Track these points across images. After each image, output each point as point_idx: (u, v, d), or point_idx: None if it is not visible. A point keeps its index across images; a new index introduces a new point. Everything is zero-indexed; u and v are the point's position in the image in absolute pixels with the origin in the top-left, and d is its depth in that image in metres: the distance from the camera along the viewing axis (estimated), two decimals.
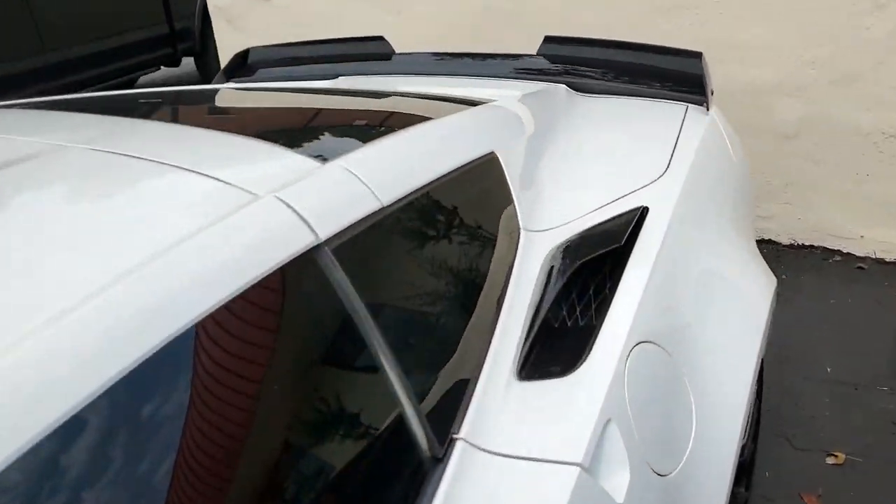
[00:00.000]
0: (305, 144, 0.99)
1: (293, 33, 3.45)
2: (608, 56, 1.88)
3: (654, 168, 1.30)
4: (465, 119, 1.28)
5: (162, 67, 5.50)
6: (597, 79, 1.83)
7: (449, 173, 1.00)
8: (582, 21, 2.84)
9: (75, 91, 4.81)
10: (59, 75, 4.53)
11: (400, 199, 0.88)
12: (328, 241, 0.75)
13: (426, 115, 1.59)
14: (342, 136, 1.11)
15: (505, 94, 1.85)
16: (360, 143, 1.00)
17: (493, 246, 1.04)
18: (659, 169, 1.30)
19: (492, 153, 1.16)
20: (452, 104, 1.75)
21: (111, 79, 5.06)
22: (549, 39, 1.96)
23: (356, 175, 0.85)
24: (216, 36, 3.73)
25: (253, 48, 2.34)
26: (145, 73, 5.72)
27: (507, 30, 2.90)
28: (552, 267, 1.05)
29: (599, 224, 1.13)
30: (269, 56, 2.34)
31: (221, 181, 0.77)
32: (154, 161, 0.81)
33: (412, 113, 1.62)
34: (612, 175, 1.30)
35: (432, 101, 1.78)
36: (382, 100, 1.73)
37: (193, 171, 0.79)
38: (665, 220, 1.14)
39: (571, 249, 1.07)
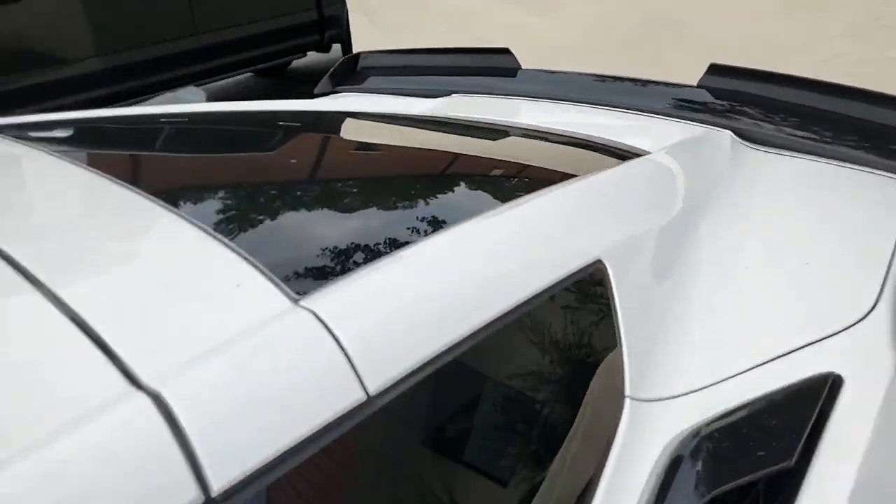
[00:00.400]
0: (294, 249, 0.66)
1: (428, 31, 3.17)
2: (796, 98, 1.39)
3: (856, 296, 0.85)
4: (572, 196, 0.89)
5: (309, 54, 5.48)
6: (776, 126, 1.36)
7: (510, 312, 0.64)
8: (767, 38, 2.30)
9: (224, 73, 4.89)
10: (209, 58, 4.59)
11: (405, 380, 0.52)
12: (225, 498, 0.41)
13: (526, 171, 1.23)
14: (372, 227, 0.78)
15: (647, 132, 1.43)
16: (381, 248, 0.66)
17: (570, 425, 0.66)
18: (864, 299, 0.84)
19: (597, 263, 0.77)
20: (573, 150, 1.36)
21: (258, 63, 5.10)
22: (715, 69, 1.50)
23: (333, 334, 0.51)
24: (351, 28, 3.55)
25: (363, 53, 2.07)
26: (295, 59, 5.75)
27: (669, 43, 2.41)
28: (670, 470, 0.65)
29: (755, 402, 0.71)
30: (381, 63, 2.06)
31: (94, 343, 0.46)
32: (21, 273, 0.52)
33: (507, 165, 1.25)
34: (784, 302, 0.86)
35: (549, 142, 1.40)
36: (481, 140, 1.38)
37: (65, 315, 0.48)
38: (873, 406, 0.70)
39: (704, 445, 0.67)
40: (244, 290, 0.54)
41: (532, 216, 0.81)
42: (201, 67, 4.52)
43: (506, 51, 1.84)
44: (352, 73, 2.05)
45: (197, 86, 5.06)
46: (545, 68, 1.80)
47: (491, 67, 1.87)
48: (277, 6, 4.82)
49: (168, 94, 3.58)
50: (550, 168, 1.27)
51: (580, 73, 1.74)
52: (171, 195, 0.75)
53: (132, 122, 1.27)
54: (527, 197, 0.84)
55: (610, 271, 0.77)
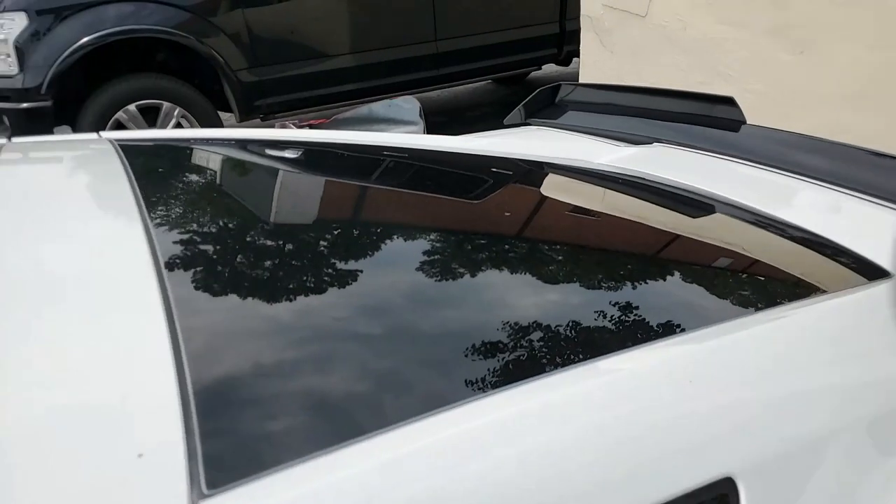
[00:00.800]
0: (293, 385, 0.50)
1: (664, 60, 2.84)
2: None
3: None
4: (727, 348, 0.62)
5: (543, 67, 5.37)
6: None
7: None
8: None
9: (460, 80, 4.95)
10: (446, 65, 4.69)
11: None
12: None
13: (701, 276, 0.94)
14: (425, 356, 0.59)
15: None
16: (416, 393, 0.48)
17: None
18: None
19: (725, 483, 0.50)
20: (785, 247, 1.04)
21: (494, 73, 5.13)
22: None
23: None
24: (581, 48, 3.34)
25: (564, 84, 1.86)
26: (533, 71, 5.70)
27: None
28: None
29: None
30: (582, 98, 1.83)
31: None
32: None
33: (685, 257, 0.97)
34: None
35: (757, 227, 1.09)
36: (672, 213, 1.11)
37: None
38: None
39: None
40: (143, 466, 0.40)
41: (646, 381, 0.56)
42: (437, 73, 4.63)
43: (729, 100, 1.52)
44: (549, 105, 1.86)
45: (433, 90, 5.22)
46: (776, 127, 1.44)
47: (708, 117, 1.56)
48: (519, 18, 4.77)
49: (383, 102, 3.67)
50: (738, 275, 0.97)
51: (821, 140, 1.36)
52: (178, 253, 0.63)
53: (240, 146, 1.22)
54: (653, 346, 0.59)
55: (742, 500, 0.50)
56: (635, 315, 0.74)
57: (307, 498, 0.41)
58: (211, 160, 1.11)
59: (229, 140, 1.24)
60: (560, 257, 0.97)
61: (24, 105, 3.47)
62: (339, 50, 4.26)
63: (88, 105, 3.58)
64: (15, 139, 1.13)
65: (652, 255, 1.03)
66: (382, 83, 4.36)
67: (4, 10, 3.39)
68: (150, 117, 3.71)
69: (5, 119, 3.52)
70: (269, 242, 0.77)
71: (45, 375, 0.46)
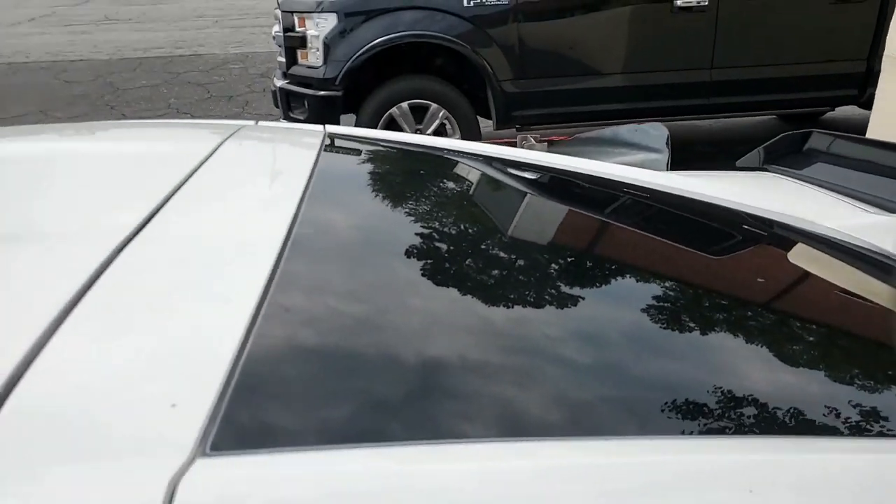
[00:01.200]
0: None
1: None
2: None
3: None
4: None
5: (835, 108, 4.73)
6: None
7: None
8: None
9: (734, 112, 4.56)
10: (718, 94, 4.39)
11: None
12: None
13: None
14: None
15: None
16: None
17: None
18: None
19: None
20: None
21: (776, 108, 4.66)
22: None
23: None
24: (877, 91, 2.91)
25: (817, 133, 1.64)
26: (827, 111, 5.08)
27: None
28: None
29: None
30: (836, 150, 1.60)
31: None
32: None
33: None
34: None
35: None
36: None
37: None
38: None
39: None
40: (169, 414, 0.46)
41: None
42: (707, 102, 4.34)
43: None
44: (794, 152, 1.65)
45: (704, 119, 4.90)
46: None
47: None
48: (816, 52, 4.23)
49: (630, 125, 3.53)
50: None
51: None
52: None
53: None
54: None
55: None
56: (860, 408, 0.66)
57: (304, 479, 0.44)
58: (400, 166, 1.19)
59: (436, 149, 1.31)
60: (801, 335, 0.87)
61: (321, 93, 4.03)
62: (605, 69, 4.22)
63: (370, 99, 4.03)
64: (261, 123, 1.34)
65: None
66: (644, 107, 4.22)
67: (322, 11, 3.97)
68: (419, 116, 4.06)
69: (306, 103, 4.12)
70: (396, 259, 0.81)
71: (140, 313, 0.56)
